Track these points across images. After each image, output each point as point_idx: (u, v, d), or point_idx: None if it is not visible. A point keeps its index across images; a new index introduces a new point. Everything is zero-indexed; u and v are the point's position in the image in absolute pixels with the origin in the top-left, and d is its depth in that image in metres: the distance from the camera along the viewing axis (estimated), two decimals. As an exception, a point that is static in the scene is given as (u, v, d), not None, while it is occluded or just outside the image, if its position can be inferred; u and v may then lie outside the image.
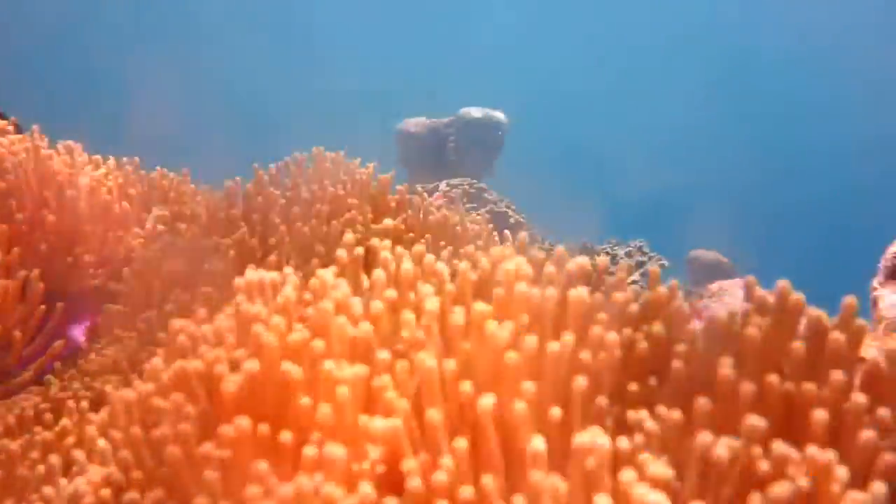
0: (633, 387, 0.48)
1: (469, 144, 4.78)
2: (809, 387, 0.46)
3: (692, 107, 11.15)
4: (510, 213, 4.18)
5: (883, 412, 0.45)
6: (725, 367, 0.45)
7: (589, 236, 4.28)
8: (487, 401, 0.42)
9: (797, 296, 0.52)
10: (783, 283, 0.51)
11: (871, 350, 1.22)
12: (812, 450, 0.40)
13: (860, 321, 0.52)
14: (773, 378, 0.46)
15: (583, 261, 0.52)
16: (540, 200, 5.18)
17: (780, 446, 0.41)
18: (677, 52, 12.04)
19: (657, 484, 0.39)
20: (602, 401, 0.46)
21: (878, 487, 0.40)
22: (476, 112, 4.76)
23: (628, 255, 4.07)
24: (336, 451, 0.42)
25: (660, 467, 0.40)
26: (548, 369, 0.45)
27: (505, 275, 0.50)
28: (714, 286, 0.99)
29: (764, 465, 0.41)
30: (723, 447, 0.40)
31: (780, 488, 0.38)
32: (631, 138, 11.58)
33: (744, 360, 0.48)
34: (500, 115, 4.77)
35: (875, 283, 1.24)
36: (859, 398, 0.45)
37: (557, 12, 12.99)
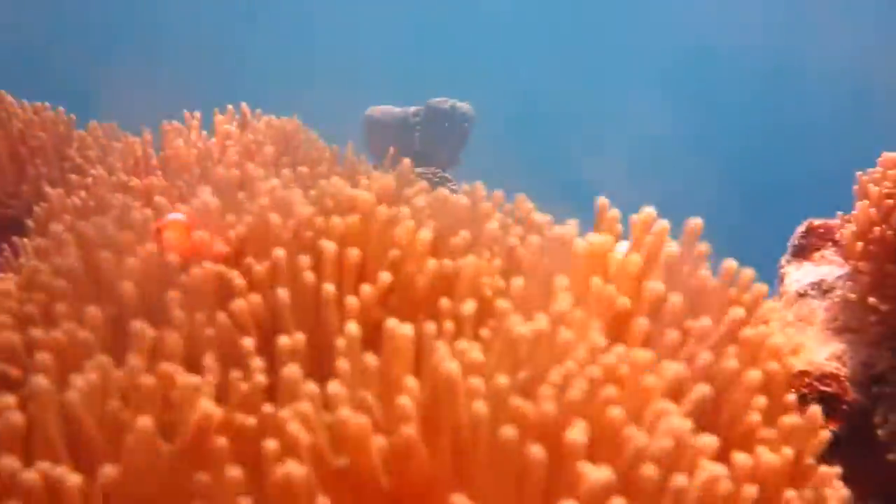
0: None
1: (436, 134, 4.81)
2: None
3: (661, 106, 11.36)
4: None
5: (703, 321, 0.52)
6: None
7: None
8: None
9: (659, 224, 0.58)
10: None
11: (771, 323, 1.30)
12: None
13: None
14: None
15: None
16: (507, 192, 5.22)
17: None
18: (654, 52, 12.21)
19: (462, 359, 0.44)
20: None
21: (674, 367, 0.47)
22: (443, 103, 4.79)
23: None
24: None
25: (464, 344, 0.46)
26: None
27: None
28: None
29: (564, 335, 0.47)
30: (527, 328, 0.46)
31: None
32: (599, 133, 11.73)
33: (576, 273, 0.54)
34: (466, 106, 4.80)
35: (783, 260, 1.33)
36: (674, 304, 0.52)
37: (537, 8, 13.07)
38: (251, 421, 0.43)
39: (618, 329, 0.53)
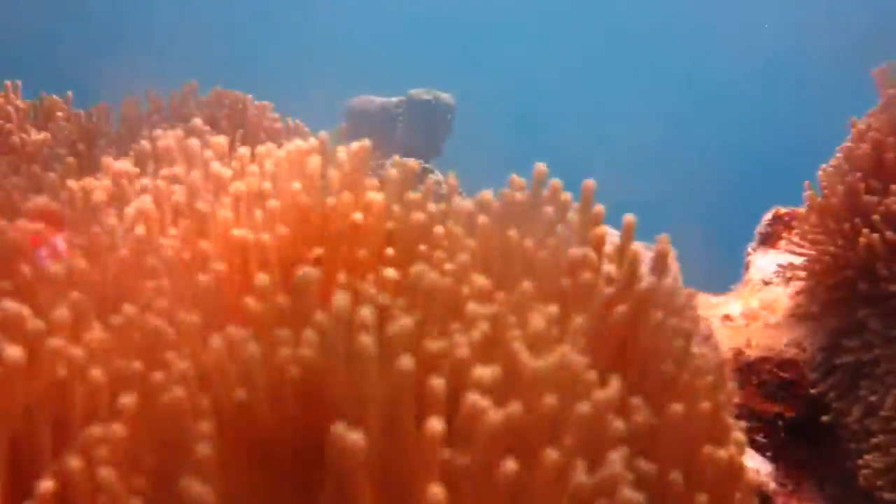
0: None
1: (418, 125, 4.80)
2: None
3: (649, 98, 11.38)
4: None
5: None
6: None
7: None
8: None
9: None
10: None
11: (733, 306, 1.31)
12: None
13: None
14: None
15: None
16: (486, 183, 5.22)
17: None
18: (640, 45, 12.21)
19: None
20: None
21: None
22: (425, 94, 4.77)
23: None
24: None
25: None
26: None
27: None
28: None
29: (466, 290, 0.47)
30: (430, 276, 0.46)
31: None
32: (584, 125, 11.75)
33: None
34: (448, 97, 4.79)
35: (749, 248, 1.34)
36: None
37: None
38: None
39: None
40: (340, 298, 0.42)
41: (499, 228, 0.54)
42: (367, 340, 0.40)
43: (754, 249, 1.36)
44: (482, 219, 0.55)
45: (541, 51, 13.09)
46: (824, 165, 1.16)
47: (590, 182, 0.58)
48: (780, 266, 1.26)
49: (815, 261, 1.09)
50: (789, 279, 1.24)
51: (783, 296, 1.24)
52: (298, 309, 0.44)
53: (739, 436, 0.51)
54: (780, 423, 1.06)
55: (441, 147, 4.78)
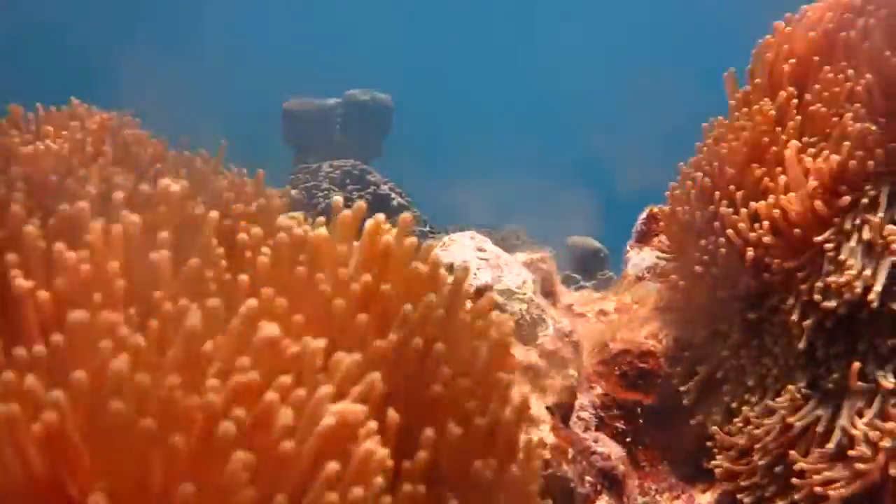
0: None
1: (356, 127, 4.84)
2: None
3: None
4: (393, 195, 4.27)
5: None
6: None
7: (471, 220, 4.44)
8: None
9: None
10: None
11: (610, 301, 1.39)
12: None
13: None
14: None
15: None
16: (427, 184, 5.29)
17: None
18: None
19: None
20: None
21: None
22: (362, 94, 4.82)
23: (503, 239, 4.26)
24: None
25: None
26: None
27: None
28: (447, 238, 1.12)
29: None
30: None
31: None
32: (517, 120, 11.94)
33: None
34: (386, 97, 4.84)
35: (628, 245, 1.42)
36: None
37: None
38: None
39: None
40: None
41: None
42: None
43: (631, 247, 1.45)
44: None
45: (479, 48, 13.23)
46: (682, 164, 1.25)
47: (407, 216, 0.63)
48: (653, 263, 1.36)
49: (669, 262, 1.17)
50: (660, 275, 1.33)
51: (654, 291, 1.33)
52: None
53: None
54: (639, 409, 1.14)
55: (380, 147, 4.83)
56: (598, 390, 1.15)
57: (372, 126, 4.84)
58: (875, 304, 0.91)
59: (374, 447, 0.48)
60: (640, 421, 1.13)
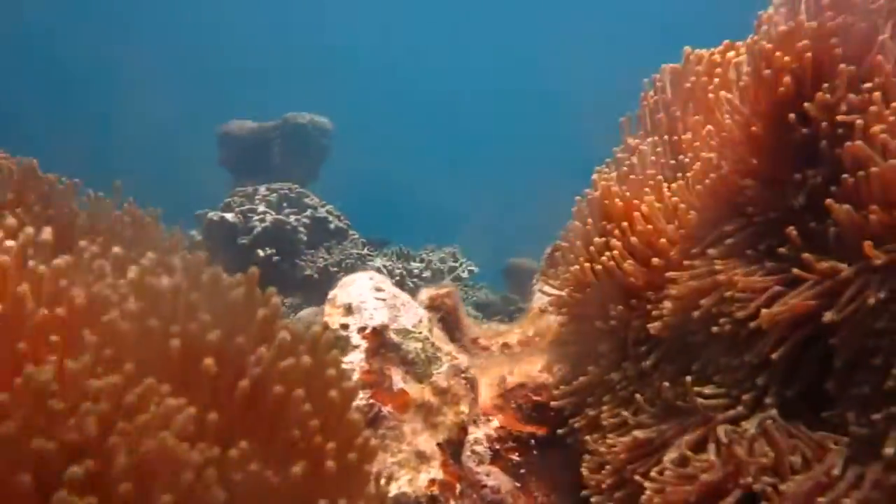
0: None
1: (294, 149, 4.84)
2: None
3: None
4: (331, 217, 4.28)
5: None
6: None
7: (410, 241, 4.48)
8: None
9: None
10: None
11: (514, 335, 1.43)
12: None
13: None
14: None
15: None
16: (365, 206, 5.31)
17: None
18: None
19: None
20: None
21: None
22: (302, 117, 4.83)
23: (441, 260, 4.31)
24: None
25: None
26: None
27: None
28: (347, 278, 1.17)
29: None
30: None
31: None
32: (452, 147, 12.13)
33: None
34: (325, 120, 4.86)
35: (535, 279, 1.48)
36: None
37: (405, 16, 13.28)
38: None
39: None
40: None
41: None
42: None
43: (538, 280, 1.50)
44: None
45: (416, 70, 13.40)
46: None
47: (255, 270, 0.66)
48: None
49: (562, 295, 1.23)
50: (561, 308, 1.39)
51: (554, 324, 1.39)
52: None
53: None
54: (533, 441, 1.18)
55: (317, 171, 4.84)
56: (496, 423, 1.20)
57: (310, 149, 4.85)
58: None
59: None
60: (535, 452, 1.18)
